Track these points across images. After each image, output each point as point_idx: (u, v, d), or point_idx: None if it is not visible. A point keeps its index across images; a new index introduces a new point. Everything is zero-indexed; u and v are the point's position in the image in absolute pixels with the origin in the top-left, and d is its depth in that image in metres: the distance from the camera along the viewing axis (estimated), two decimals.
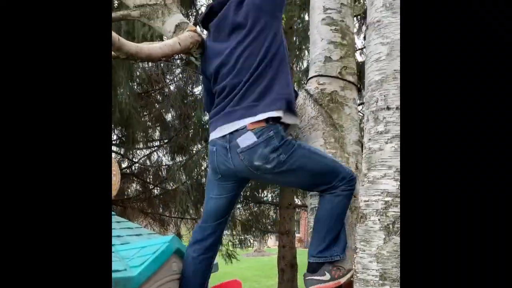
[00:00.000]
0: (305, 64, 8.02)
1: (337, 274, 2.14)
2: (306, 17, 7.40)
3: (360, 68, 2.98)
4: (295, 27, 7.87)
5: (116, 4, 5.64)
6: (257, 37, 2.13)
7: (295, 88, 2.51)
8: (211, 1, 2.60)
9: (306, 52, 7.74)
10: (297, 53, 7.88)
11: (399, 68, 1.87)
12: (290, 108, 2.15)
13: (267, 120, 2.08)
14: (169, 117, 8.69)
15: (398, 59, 1.87)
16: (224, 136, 2.15)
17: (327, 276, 2.14)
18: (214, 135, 2.20)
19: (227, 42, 2.21)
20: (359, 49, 7.77)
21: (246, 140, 2.09)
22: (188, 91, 8.33)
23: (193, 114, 7.84)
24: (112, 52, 1.86)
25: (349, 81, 2.38)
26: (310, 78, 2.44)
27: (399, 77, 1.87)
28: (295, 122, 2.27)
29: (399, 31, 1.87)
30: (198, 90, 8.40)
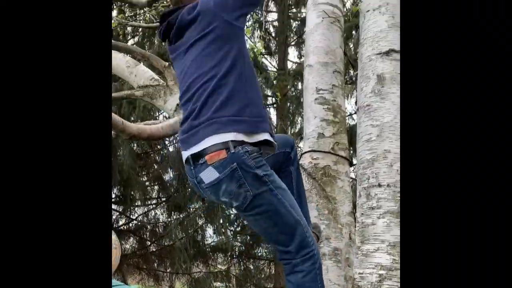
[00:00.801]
0: (297, 128, 8.13)
1: None
2: (299, 86, 7.57)
3: None
4: (288, 94, 8.04)
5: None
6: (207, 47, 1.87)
7: None
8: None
9: (299, 117, 7.86)
10: (291, 118, 8.00)
11: (389, 148, 1.91)
12: (252, 131, 1.82)
13: (227, 149, 1.76)
14: (167, 176, 8.69)
15: (388, 140, 1.92)
16: (190, 166, 1.87)
17: None
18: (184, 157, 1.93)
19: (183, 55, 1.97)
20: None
21: (209, 177, 1.81)
22: None
23: None
24: (115, 133, 1.89)
25: (341, 156, 2.42)
26: (304, 153, 2.47)
27: (389, 156, 1.91)
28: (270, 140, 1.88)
29: (387, 115, 1.93)
30: None
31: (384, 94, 1.94)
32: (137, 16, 4.10)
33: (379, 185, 1.92)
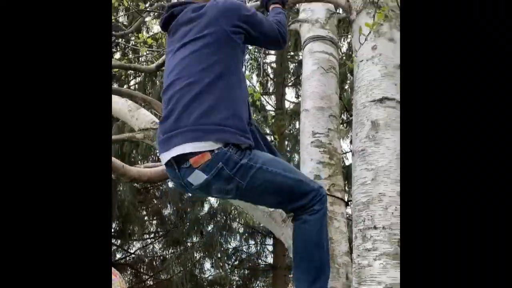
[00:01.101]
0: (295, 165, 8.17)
1: None
2: (297, 125, 7.63)
3: None
4: (286, 133, 8.11)
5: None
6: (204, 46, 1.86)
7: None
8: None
9: (296, 155, 7.91)
10: (288, 155, 8.06)
11: (384, 191, 1.95)
12: (238, 140, 1.81)
13: (210, 151, 1.75)
14: (166, 212, 8.67)
15: (383, 183, 1.95)
16: (173, 169, 1.84)
17: None
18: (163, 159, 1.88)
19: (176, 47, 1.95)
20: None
21: (196, 179, 1.80)
22: None
23: (188, 210, 7.84)
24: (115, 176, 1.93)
25: (338, 197, 2.45)
26: None
27: (384, 199, 1.94)
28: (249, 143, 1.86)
29: (382, 159, 1.97)
30: None
31: (378, 139, 1.99)
32: (139, 59, 4.20)
33: (375, 227, 1.94)
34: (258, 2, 2.26)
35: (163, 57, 2.30)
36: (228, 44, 1.87)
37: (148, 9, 3.47)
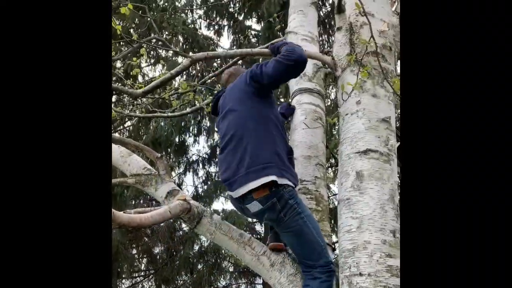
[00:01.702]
0: None
1: None
2: None
3: None
4: None
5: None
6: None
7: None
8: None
9: None
10: None
11: (369, 239, 1.98)
12: (282, 173, 2.23)
13: (270, 187, 2.20)
14: (156, 250, 8.55)
15: (367, 231, 1.98)
16: (237, 200, 2.33)
17: None
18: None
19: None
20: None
21: (254, 208, 2.26)
22: (177, 227, 8.30)
23: (181, 248, 7.74)
24: None
25: None
26: None
27: (369, 247, 1.97)
28: (295, 182, 2.32)
29: (366, 208, 2.01)
30: (185, 226, 8.39)
31: (362, 189, 2.03)
32: (134, 106, 4.26)
33: (360, 274, 1.96)
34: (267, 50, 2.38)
35: (151, 84, 2.40)
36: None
37: (139, 41, 3.53)
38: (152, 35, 5.84)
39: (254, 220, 9.63)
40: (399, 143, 2.24)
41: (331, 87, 6.00)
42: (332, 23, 7.30)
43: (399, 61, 2.30)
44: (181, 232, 8.29)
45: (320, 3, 7.68)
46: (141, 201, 8.09)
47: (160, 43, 4.45)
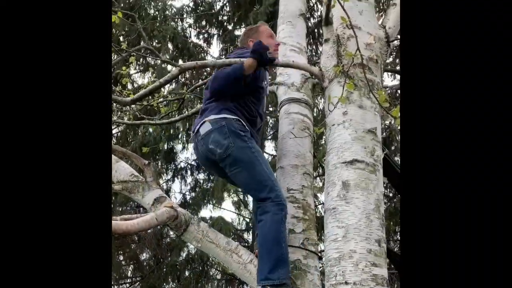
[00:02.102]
0: None
1: None
2: None
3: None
4: None
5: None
6: None
7: None
8: None
9: None
10: None
11: (354, 248, 1.98)
12: (236, 113, 2.43)
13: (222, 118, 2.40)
14: (143, 257, 8.47)
15: (353, 240, 1.99)
16: (195, 132, 2.52)
17: None
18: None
19: None
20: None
21: (204, 129, 2.42)
22: (164, 233, 8.24)
23: (168, 255, 7.68)
24: None
25: (311, 251, 2.46)
26: None
27: (354, 256, 1.97)
28: (249, 130, 2.48)
29: (352, 218, 2.01)
30: (173, 233, 8.33)
31: (349, 198, 2.04)
32: (122, 112, 4.23)
33: (346, 283, 1.96)
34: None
35: (139, 92, 2.41)
36: None
37: (128, 50, 3.51)
38: (142, 43, 5.82)
39: (241, 228, 9.61)
40: (384, 153, 2.25)
41: (319, 97, 6.02)
42: (321, 31, 7.36)
43: (385, 73, 2.31)
44: (168, 239, 8.23)
45: (309, 15, 7.73)
46: (128, 208, 8.02)
47: (149, 51, 4.43)
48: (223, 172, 2.50)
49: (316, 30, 7.75)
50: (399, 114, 1.90)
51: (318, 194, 7.45)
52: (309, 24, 7.73)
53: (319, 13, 7.67)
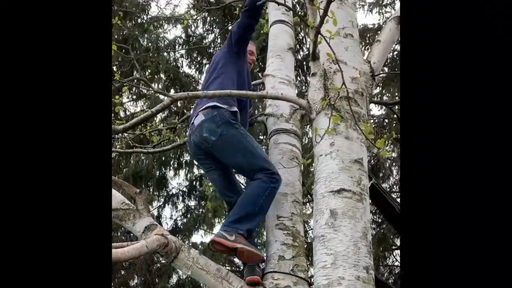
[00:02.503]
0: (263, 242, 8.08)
1: (240, 241, 2.37)
2: None
3: None
4: None
5: None
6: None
7: None
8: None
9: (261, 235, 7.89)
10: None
11: (343, 275, 2.00)
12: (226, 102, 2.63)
13: (213, 107, 2.59)
14: (133, 283, 8.33)
15: (342, 267, 2.01)
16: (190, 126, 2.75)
17: (232, 237, 2.37)
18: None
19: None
20: None
21: (198, 119, 2.62)
22: (155, 259, 8.14)
23: (158, 281, 7.57)
24: None
25: (301, 277, 2.48)
26: (266, 273, 2.52)
27: (343, 282, 1.99)
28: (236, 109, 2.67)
29: (340, 245, 2.04)
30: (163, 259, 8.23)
31: (336, 226, 2.07)
32: (114, 140, 4.25)
33: None
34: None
35: (131, 121, 2.45)
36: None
37: (121, 80, 3.55)
38: (135, 73, 5.89)
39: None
40: (371, 182, 2.29)
41: (308, 126, 6.10)
42: (310, 63, 7.48)
43: (371, 104, 2.39)
44: (158, 265, 8.12)
45: (298, 47, 7.88)
46: (119, 234, 7.94)
47: (142, 82, 4.49)
48: (213, 163, 2.69)
49: (305, 63, 7.89)
50: (384, 145, 1.96)
51: (309, 220, 7.45)
52: (299, 56, 7.87)
53: (308, 46, 7.82)
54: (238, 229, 2.40)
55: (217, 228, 9.78)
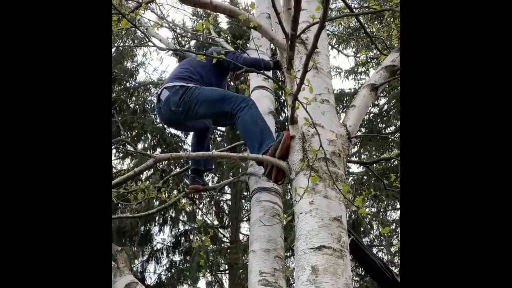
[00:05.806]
0: None
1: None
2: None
3: None
4: (240, 263, 7.95)
5: None
6: None
7: None
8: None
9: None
10: (242, 284, 7.80)
11: None
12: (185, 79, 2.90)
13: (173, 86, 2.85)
14: None
15: None
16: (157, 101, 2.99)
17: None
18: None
19: None
20: None
21: (164, 95, 2.88)
22: None
23: None
24: None
25: None
26: None
27: None
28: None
29: None
30: None
31: (318, 283, 2.02)
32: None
33: None
34: None
35: (116, 179, 2.42)
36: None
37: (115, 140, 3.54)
38: (122, 133, 5.89)
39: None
40: (350, 238, 2.27)
41: (289, 184, 6.15)
42: (288, 126, 7.64)
43: (348, 163, 2.42)
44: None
45: (280, 109, 8.07)
46: None
47: (127, 144, 4.50)
48: (189, 126, 3.09)
49: (286, 123, 8.05)
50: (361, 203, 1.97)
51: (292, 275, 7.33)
52: (280, 117, 8.03)
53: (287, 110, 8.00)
54: (267, 145, 2.47)
55: (201, 283, 9.54)
